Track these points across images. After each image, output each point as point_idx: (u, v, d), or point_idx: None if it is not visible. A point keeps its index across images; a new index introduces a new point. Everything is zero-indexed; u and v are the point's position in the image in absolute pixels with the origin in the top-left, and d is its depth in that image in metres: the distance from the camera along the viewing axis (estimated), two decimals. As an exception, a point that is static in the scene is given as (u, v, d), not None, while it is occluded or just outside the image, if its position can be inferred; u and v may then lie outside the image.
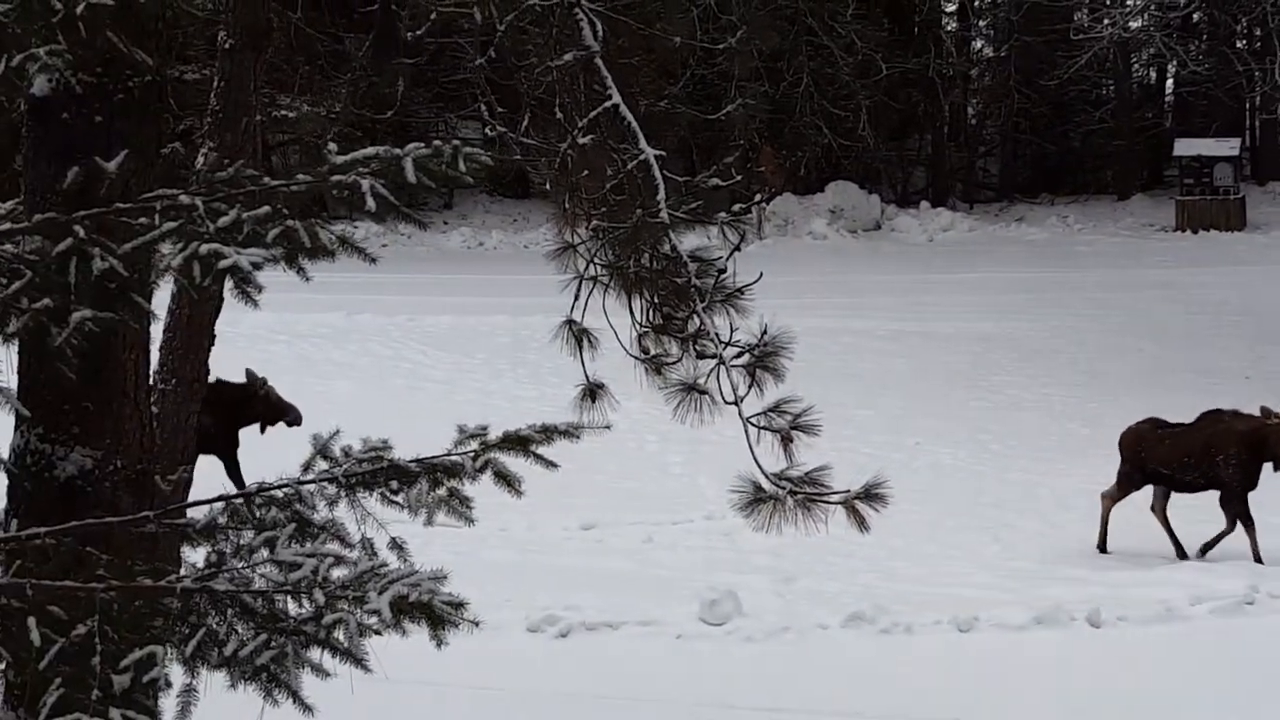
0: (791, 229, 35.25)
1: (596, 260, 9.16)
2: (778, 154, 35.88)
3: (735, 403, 9.10)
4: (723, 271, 9.22)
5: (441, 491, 7.42)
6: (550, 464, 7.45)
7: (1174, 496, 18.51)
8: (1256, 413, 18.16)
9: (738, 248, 9.29)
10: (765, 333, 9.23)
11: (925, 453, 22.09)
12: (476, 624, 7.57)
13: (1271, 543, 17.82)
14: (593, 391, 9.56)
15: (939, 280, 31.63)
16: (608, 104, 8.72)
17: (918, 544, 18.45)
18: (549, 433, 7.43)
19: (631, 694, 14.43)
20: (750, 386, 9.21)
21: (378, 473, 7.33)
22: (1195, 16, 36.16)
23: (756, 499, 9.07)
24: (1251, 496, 17.91)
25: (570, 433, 7.53)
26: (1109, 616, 16.44)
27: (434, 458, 7.46)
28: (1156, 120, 40.71)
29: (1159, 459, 18.43)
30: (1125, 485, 18.73)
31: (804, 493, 9.05)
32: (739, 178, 9.32)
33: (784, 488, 9.05)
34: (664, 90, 9.78)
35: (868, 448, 20.56)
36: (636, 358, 9.42)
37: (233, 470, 18.53)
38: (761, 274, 9.63)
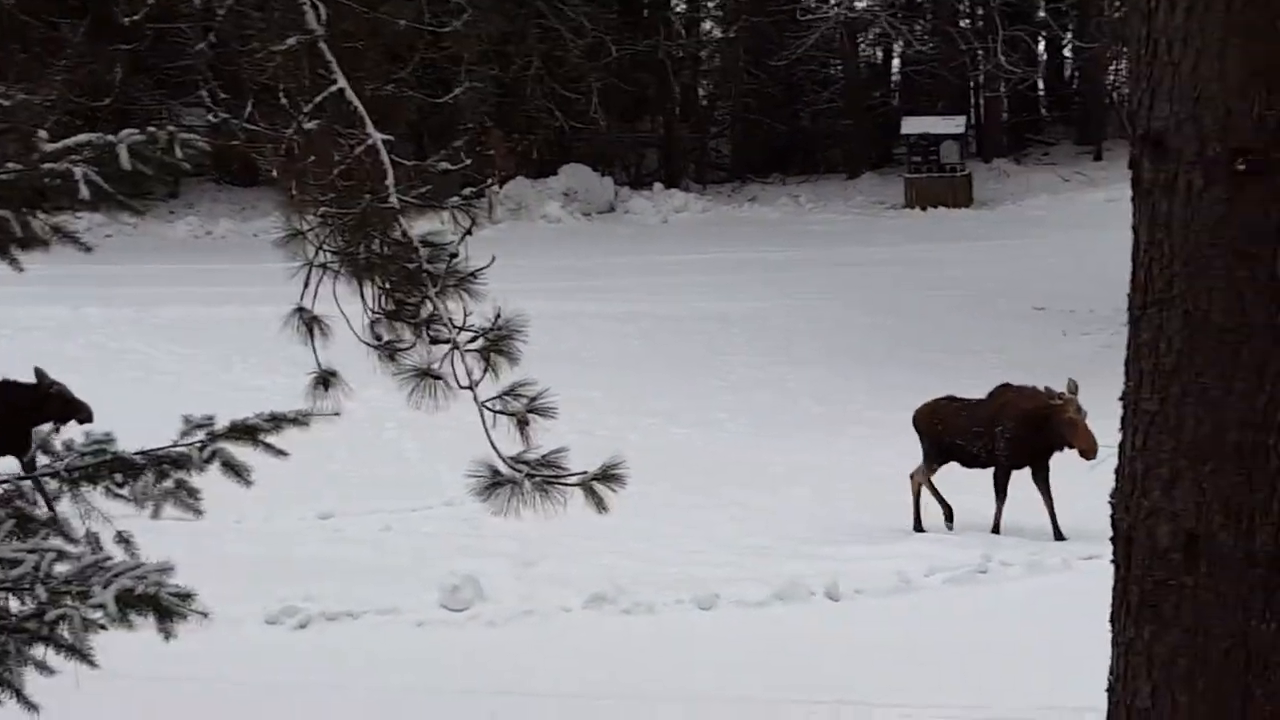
0: (525, 212, 35.26)
1: (326, 247, 9.06)
2: (509, 137, 35.84)
3: (470, 387, 9.03)
4: (455, 256, 9.13)
5: (168, 484, 7.31)
6: (280, 452, 7.40)
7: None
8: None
9: (469, 232, 9.21)
10: (499, 317, 9.16)
11: (662, 433, 22.13)
12: (205, 615, 7.47)
13: (1007, 514, 18.09)
14: (325, 379, 9.44)
15: (673, 261, 31.74)
16: (333, 89, 8.61)
17: (657, 524, 18.50)
18: (278, 421, 7.37)
19: (372, 684, 14.34)
20: (485, 371, 9.14)
21: (101, 466, 7.20)
22: (922, -3, 36.64)
23: (494, 483, 9.01)
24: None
25: (300, 421, 7.47)
26: (847, 589, 16.62)
27: (159, 450, 7.35)
28: (884, 99, 41.24)
29: (954, 431, 18.63)
30: (930, 461, 18.90)
31: (541, 475, 9.01)
32: (469, 162, 9.24)
33: (521, 471, 9.00)
34: (391, 74, 9.59)
35: (604, 429, 20.57)
36: (369, 344, 9.32)
37: (31, 470, 18.18)
38: (495, 258, 9.57)
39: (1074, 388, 17.82)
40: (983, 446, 18.34)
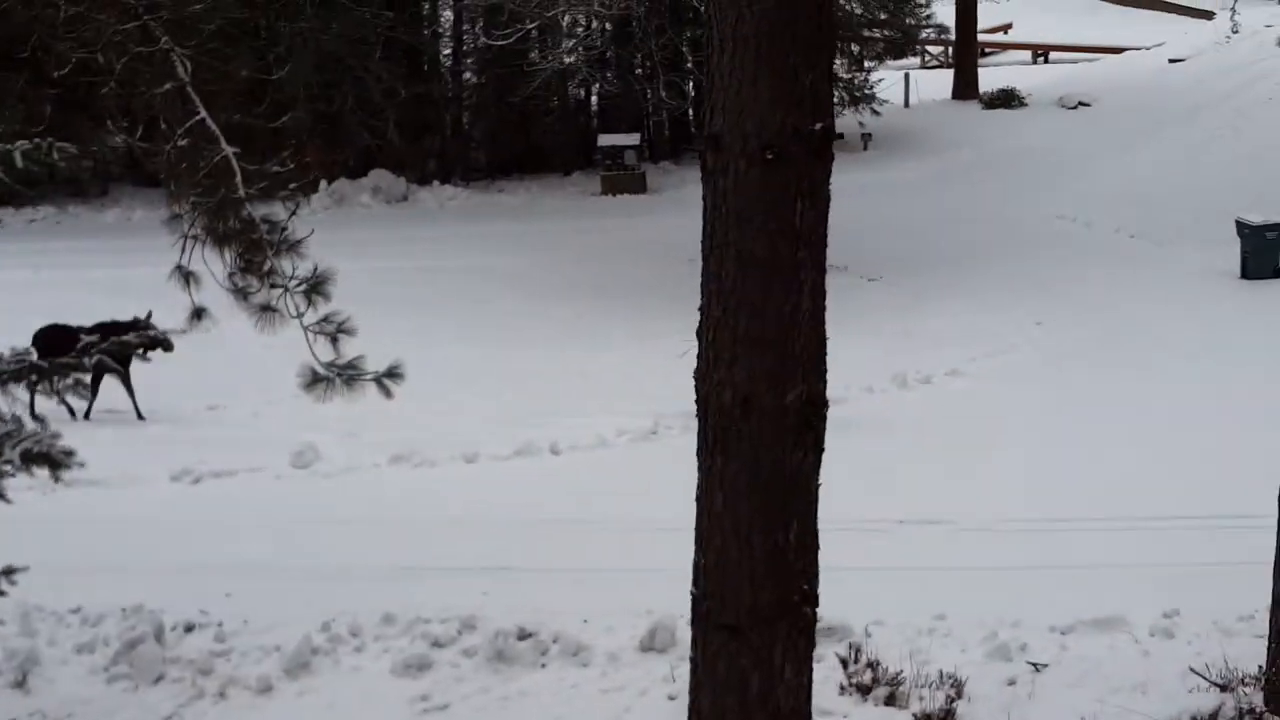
0: (347, 202, 34.81)
1: (196, 225, 8.97)
2: (333, 152, 35.45)
3: (298, 317, 9.02)
4: (285, 229, 9.10)
5: (69, 381, 7.18)
6: (144, 358, 7.27)
7: None
8: None
9: (294, 213, 9.18)
10: (317, 269, 9.16)
11: (444, 348, 21.97)
12: (83, 465, 7.30)
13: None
14: (199, 313, 9.40)
15: (449, 233, 31.53)
16: (197, 118, 8.52)
17: (439, 405, 18.44)
18: (149, 336, 7.25)
19: (247, 520, 14.28)
20: (308, 305, 9.13)
21: (22, 370, 7.08)
22: (609, 54, 36.58)
23: (314, 380, 9.04)
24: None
25: (164, 344, 7.32)
26: (564, 447, 16.76)
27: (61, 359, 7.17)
28: (587, 122, 41.11)
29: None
30: None
31: (347, 374, 9.05)
32: (292, 166, 9.26)
33: (333, 372, 9.03)
34: (239, 107, 9.49)
35: (400, 348, 20.22)
36: (228, 289, 9.26)
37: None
38: (313, 230, 9.55)
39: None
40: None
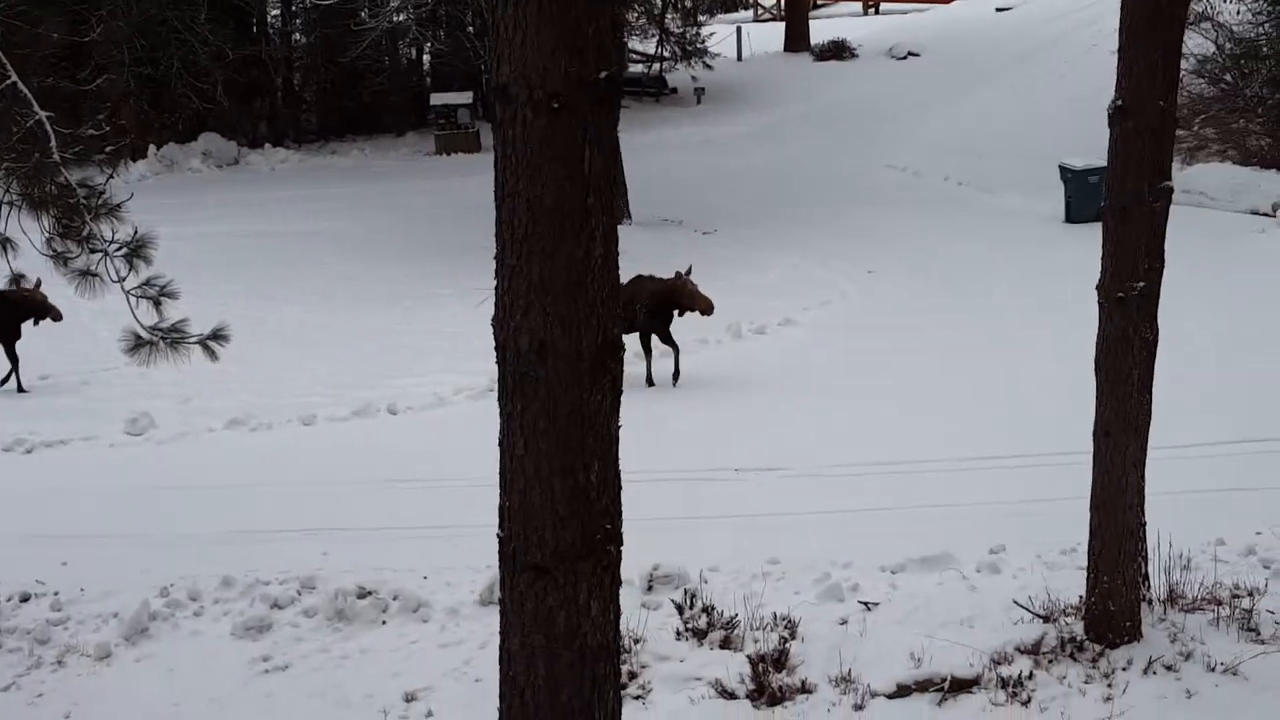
0: (176, 167, 34.23)
1: (11, 190, 8.84)
2: (162, 116, 34.88)
3: (119, 281, 8.93)
4: (104, 193, 9.00)
5: None
6: None
7: None
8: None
9: (111, 177, 9.11)
10: (137, 232, 9.07)
11: (276, 309, 21.79)
12: None
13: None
14: (17, 279, 9.27)
15: (280, 197, 31.17)
16: (9, 81, 8.39)
17: (273, 368, 18.34)
18: None
19: (81, 487, 14.11)
20: (130, 270, 9.05)
21: None
22: (439, 11, 36.29)
23: (137, 344, 8.98)
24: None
25: None
26: (401, 407, 16.74)
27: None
28: (419, 81, 40.84)
29: None
30: None
31: (171, 337, 8.99)
32: (108, 129, 9.11)
33: (157, 335, 8.96)
34: (53, 70, 9.37)
35: (230, 312, 20.05)
36: (47, 255, 9.14)
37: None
38: (133, 194, 9.53)
39: (689, 269, 17.24)
40: (625, 319, 17.32)
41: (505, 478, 5.28)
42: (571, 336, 5.01)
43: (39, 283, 15.63)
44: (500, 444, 5.30)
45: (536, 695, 5.35)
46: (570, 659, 5.29)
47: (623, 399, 5.34)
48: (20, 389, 17.53)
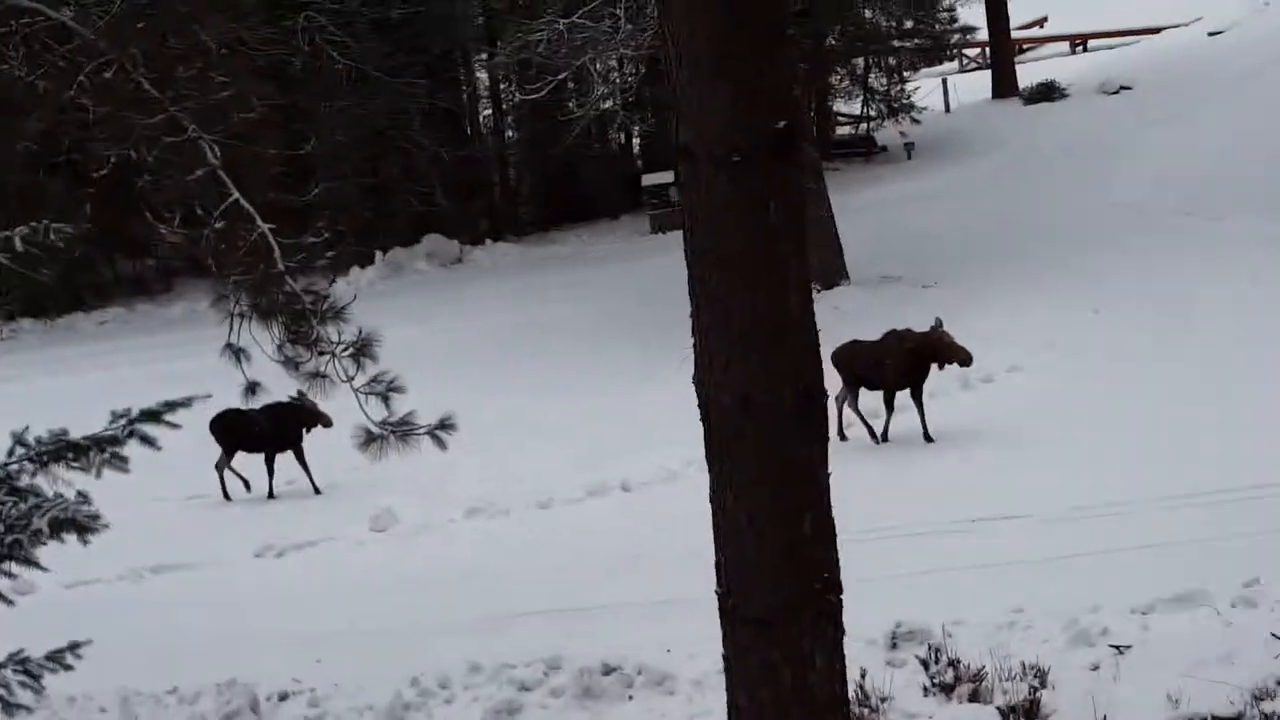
0: (403, 270, 35.15)
1: (241, 302, 9.17)
2: (384, 220, 35.95)
3: (348, 380, 9.20)
4: (327, 297, 9.29)
5: (105, 455, 7.32)
6: (173, 425, 7.40)
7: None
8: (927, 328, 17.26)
9: (333, 281, 9.39)
10: (361, 334, 9.34)
11: (506, 398, 22.12)
12: (108, 526, 7.40)
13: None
14: (252, 387, 9.59)
15: (505, 289, 31.73)
16: (231, 200, 8.74)
17: (508, 456, 18.61)
18: (172, 406, 7.41)
19: (336, 580, 14.47)
20: (357, 368, 9.31)
21: (60, 449, 7.24)
22: (645, 94, 36.70)
23: (369, 439, 9.22)
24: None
25: (185, 404, 7.49)
26: (634, 484, 16.87)
27: (97, 433, 7.35)
28: (630, 164, 41.42)
29: (859, 367, 17.52)
30: (849, 388, 17.65)
31: (400, 430, 9.21)
32: (327, 235, 9.46)
33: (387, 429, 9.20)
34: (271, 185, 9.72)
35: (461, 404, 20.20)
36: (279, 361, 9.46)
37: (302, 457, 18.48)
38: (355, 295, 9.79)
39: (940, 322, 17.14)
40: (876, 377, 17.43)
41: (719, 533, 5.29)
42: (773, 389, 5.02)
43: (302, 394, 16.20)
44: (711, 500, 5.32)
45: (769, 750, 5.31)
46: (799, 713, 5.24)
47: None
48: (316, 490, 18.24)
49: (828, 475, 5.24)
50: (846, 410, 17.70)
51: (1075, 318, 22.48)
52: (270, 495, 18.23)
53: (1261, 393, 16.51)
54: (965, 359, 16.79)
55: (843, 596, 5.31)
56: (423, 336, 25.61)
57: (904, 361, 16.98)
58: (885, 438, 17.23)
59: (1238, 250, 25.18)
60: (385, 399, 9.23)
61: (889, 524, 13.65)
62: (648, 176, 37.51)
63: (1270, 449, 14.37)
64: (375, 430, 9.19)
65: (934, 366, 17.22)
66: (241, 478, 18.38)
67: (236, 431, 18.00)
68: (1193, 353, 19.29)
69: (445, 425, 9.52)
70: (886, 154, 41.01)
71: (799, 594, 5.15)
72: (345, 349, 9.15)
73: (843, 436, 17.43)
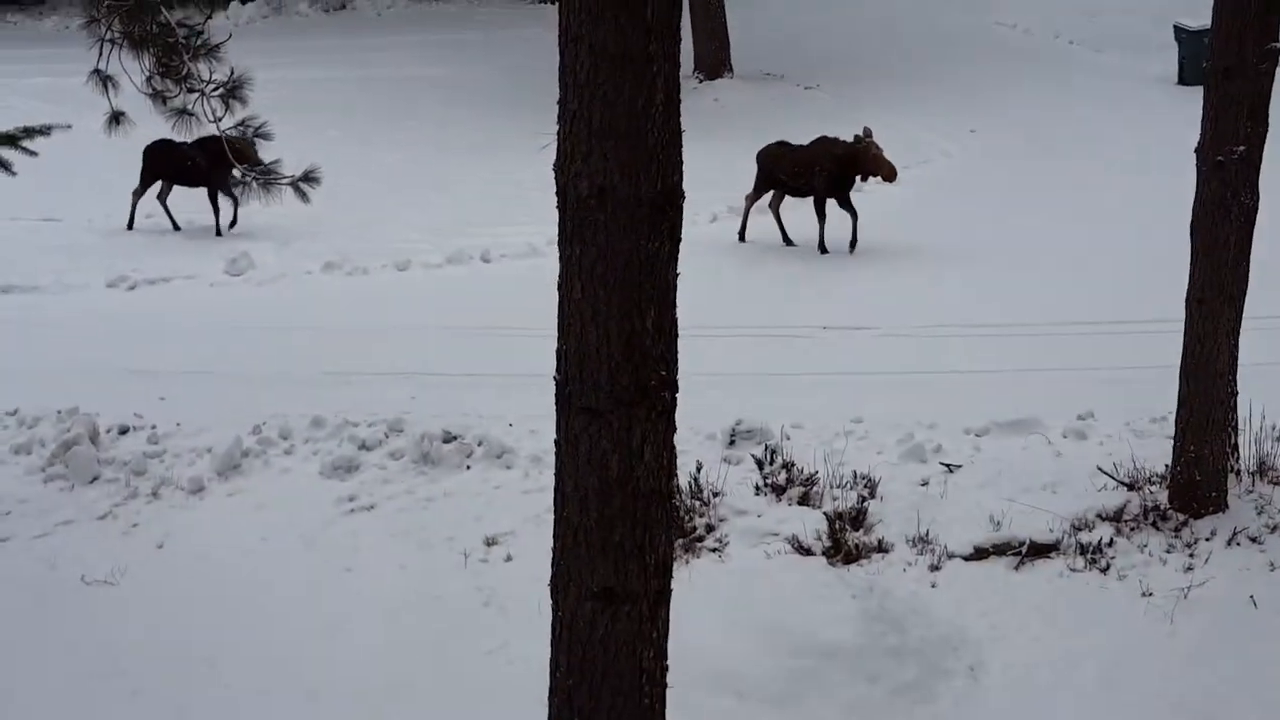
0: (285, 9, 34.20)
1: (113, 28, 8.90)
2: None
3: (215, 121, 9.02)
4: (201, 33, 9.05)
5: None
6: (30, 153, 7.25)
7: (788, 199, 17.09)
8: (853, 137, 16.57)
9: (209, 17, 9.12)
10: (234, 73, 9.12)
11: (378, 157, 21.85)
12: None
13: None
14: (117, 118, 9.37)
15: (387, 41, 31.12)
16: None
17: (372, 213, 18.45)
18: (30, 132, 7.25)
19: (184, 324, 14.36)
20: (226, 110, 9.13)
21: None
22: None
23: (234, 184, 9.10)
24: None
25: (44, 132, 7.34)
26: (495, 255, 16.82)
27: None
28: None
29: (783, 170, 16.81)
30: (758, 189, 17.08)
31: (265, 178, 9.09)
32: (208, -30, 9.17)
33: (250, 176, 9.08)
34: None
35: (331, 156, 19.90)
36: (147, 94, 9.23)
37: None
38: (230, 35, 9.50)
39: (868, 132, 16.53)
40: (804, 183, 16.65)
41: (563, 321, 5.32)
42: (631, 182, 5.00)
43: None
44: (559, 288, 5.34)
45: (589, 536, 5.42)
46: (622, 501, 5.34)
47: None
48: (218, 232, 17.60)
49: (676, 275, 5.27)
50: (757, 211, 17.31)
51: (952, 135, 22.64)
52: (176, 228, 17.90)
53: (1132, 228, 16.75)
54: (891, 174, 16.48)
55: (678, 395, 5.39)
56: (296, 81, 25.10)
57: (833, 169, 16.49)
58: (823, 249, 16.71)
59: (1119, 84, 25.49)
60: (251, 144, 9.07)
61: (746, 324, 13.80)
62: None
63: (1128, 284, 14.63)
64: (237, 175, 9.05)
65: (859, 178, 16.87)
66: (171, 217, 17.87)
67: (168, 161, 17.33)
68: (1065, 181, 19.54)
69: (309, 178, 9.41)
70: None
71: (634, 387, 5.20)
72: (215, 88, 8.94)
73: (742, 238, 17.19)
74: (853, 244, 16.67)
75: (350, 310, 14.78)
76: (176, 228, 17.79)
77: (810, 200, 16.77)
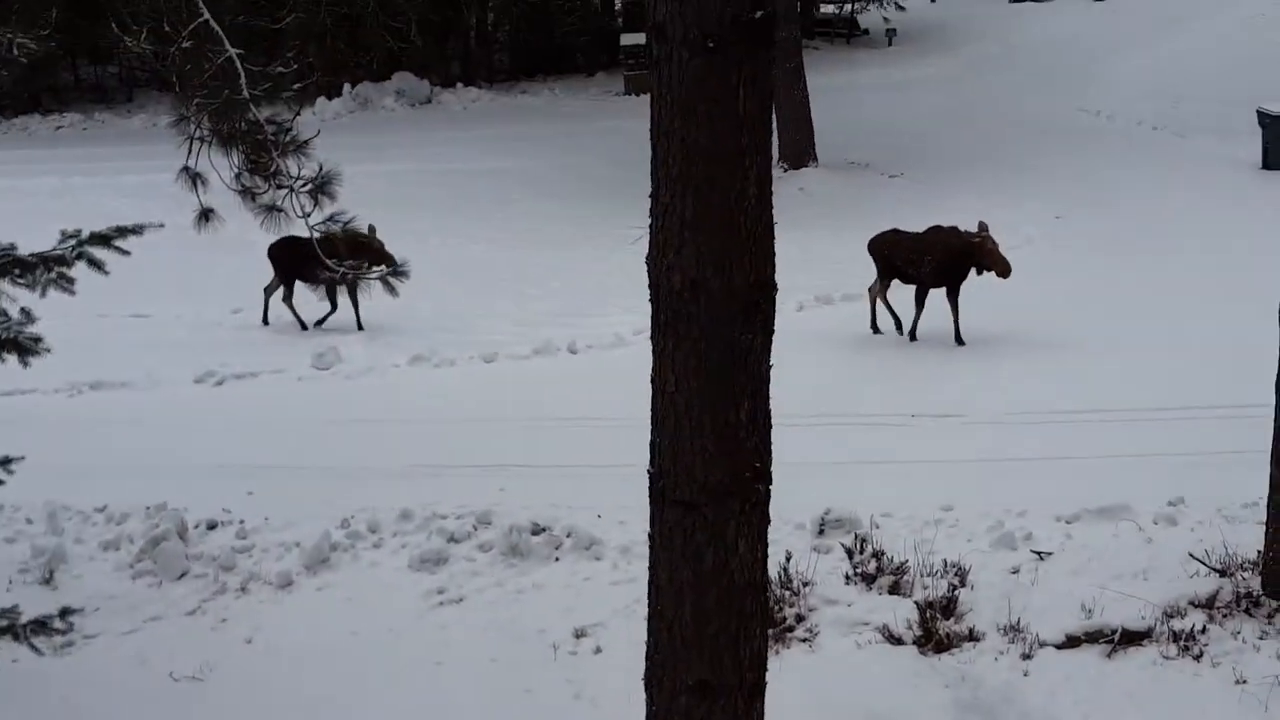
0: (370, 105, 34.80)
1: (202, 126, 9.00)
2: (356, 55, 35.40)
3: (304, 216, 9.08)
4: (291, 130, 9.13)
5: (52, 274, 7.19)
6: (123, 252, 7.30)
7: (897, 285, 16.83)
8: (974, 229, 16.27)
9: (298, 114, 9.21)
10: (322, 169, 9.19)
11: (462, 246, 22.02)
12: (49, 350, 7.27)
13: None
14: (206, 214, 9.45)
15: (472, 136, 31.47)
16: (200, 19, 8.55)
17: (459, 306, 18.55)
18: (123, 232, 7.30)
19: (273, 417, 14.43)
20: (314, 205, 9.19)
21: (6, 264, 7.12)
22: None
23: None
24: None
25: (136, 231, 7.38)
26: (581, 346, 16.84)
27: (46, 252, 7.21)
28: (610, 22, 40.91)
29: (899, 256, 16.59)
30: (883, 279, 16.88)
31: (356, 274, 9.13)
32: (295, 67, 9.23)
33: (339, 270, 9.13)
34: (243, 9, 9.53)
35: (419, 249, 20.16)
36: (236, 190, 9.31)
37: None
38: (319, 131, 9.58)
39: (985, 226, 16.26)
40: (915, 270, 16.45)
41: (656, 414, 5.29)
42: (724, 275, 4.99)
43: (372, 229, 15.48)
44: (652, 381, 5.31)
45: (684, 629, 5.36)
46: (718, 595, 5.28)
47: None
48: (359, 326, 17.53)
49: (769, 366, 5.23)
50: (878, 301, 17.05)
51: (1037, 220, 22.50)
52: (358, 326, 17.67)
53: (1221, 313, 16.55)
54: (1006, 269, 16.04)
55: (772, 486, 5.33)
56: (383, 175, 25.40)
57: (946, 260, 16.25)
58: (914, 336, 16.60)
59: (1204, 169, 25.27)
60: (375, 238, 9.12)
61: (827, 412, 13.71)
62: (627, 36, 37.09)
63: (1212, 370, 14.44)
64: (328, 270, 9.10)
65: (973, 271, 16.44)
66: (298, 316, 17.77)
67: (294, 256, 16.73)
68: (1151, 266, 19.35)
69: (398, 271, 9.45)
70: (868, 37, 40.69)
71: (728, 481, 5.15)
72: (304, 184, 9.00)
73: (875, 329, 16.95)
74: (957, 336, 16.39)
75: (437, 402, 14.81)
76: (304, 327, 17.74)
77: (911, 288, 16.59)
